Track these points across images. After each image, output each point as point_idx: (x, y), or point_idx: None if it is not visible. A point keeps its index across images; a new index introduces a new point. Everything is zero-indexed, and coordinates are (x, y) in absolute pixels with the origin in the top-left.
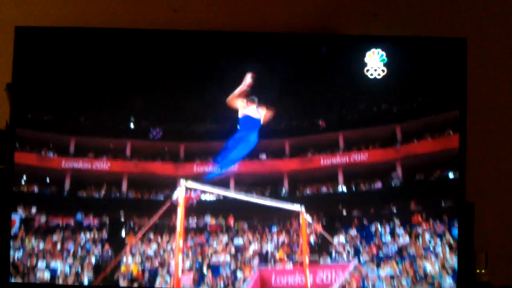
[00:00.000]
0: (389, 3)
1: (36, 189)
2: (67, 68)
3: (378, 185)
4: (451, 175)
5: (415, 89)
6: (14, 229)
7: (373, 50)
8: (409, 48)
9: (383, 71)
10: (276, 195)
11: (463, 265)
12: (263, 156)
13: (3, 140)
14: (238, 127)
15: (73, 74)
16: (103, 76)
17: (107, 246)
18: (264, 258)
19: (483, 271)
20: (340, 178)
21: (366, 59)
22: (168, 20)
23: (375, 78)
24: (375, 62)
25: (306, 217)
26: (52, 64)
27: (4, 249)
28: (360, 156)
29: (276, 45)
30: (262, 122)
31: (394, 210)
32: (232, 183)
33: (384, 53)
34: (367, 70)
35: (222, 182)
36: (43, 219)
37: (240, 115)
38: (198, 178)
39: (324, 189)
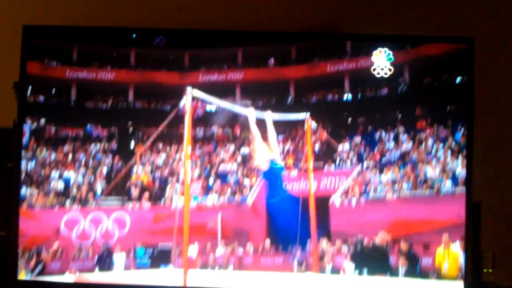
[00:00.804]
0: (395, 3)
1: (42, 99)
2: None
3: (384, 91)
4: (458, 79)
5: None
6: (25, 140)
7: (380, 49)
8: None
9: (390, 70)
10: (282, 104)
11: (470, 265)
12: (271, 62)
13: (11, 138)
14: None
15: None
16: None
17: (117, 158)
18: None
19: (490, 270)
20: (346, 85)
21: (373, 58)
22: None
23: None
24: (381, 61)
25: (311, 124)
26: None
27: (12, 249)
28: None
29: (282, 43)
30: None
31: (399, 116)
32: (238, 92)
33: (391, 52)
34: (374, 69)
35: (229, 91)
36: (52, 129)
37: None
38: (204, 86)
39: (330, 97)
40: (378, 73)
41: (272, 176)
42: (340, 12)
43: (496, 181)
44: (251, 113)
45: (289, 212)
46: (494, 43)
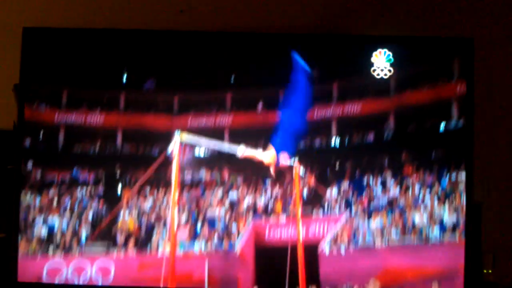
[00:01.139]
0: (395, 4)
1: (29, 143)
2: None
3: (371, 137)
4: (442, 126)
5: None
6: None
7: (379, 50)
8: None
9: (389, 71)
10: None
11: (470, 265)
12: (259, 106)
13: (11, 140)
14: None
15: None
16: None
17: (103, 203)
18: (258, 211)
19: (490, 271)
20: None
21: (373, 59)
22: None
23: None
24: (381, 62)
25: (299, 171)
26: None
27: (13, 251)
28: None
29: (282, 45)
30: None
31: (386, 162)
32: (226, 136)
33: (390, 53)
34: (374, 70)
35: (217, 135)
36: (38, 174)
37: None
38: (193, 130)
39: (317, 142)
40: (378, 74)
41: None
42: (339, 13)
43: (497, 181)
44: (240, 150)
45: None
46: (494, 43)
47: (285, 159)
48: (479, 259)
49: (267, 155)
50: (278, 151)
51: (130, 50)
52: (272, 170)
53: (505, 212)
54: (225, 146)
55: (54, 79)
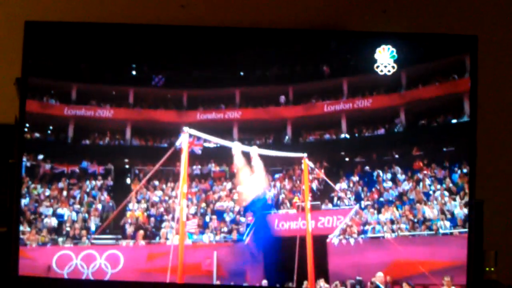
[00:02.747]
0: (398, 0)
1: (40, 136)
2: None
3: (381, 131)
4: (453, 120)
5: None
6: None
7: (383, 46)
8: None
9: (393, 67)
10: (279, 142)
11: (472, 263)
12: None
13: (12, 134)
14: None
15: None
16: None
17: (112, 195)
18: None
19: (492, 269)
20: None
21: (376, 55)
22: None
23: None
24: (385, 58)
25: (308, 163)
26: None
27: (13, 245)
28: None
29: (284, 41)
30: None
31: (396, 156)
32: (235, 131)
33: (394, 50)
34: (377, 67)
35: (226, 129)
36: (47, 166)
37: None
38: (201, 125)
39: (327, 136)
40: (382, 71)
41: (257, 210)
42: (343, 10)
43: (499, 179)
44: (236, 146)
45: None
46: (498, 40)
47: None
48: (481, 256)
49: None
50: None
51: (131, 44)
52: None
53: (507, 210)
54: (226, 143)
55: (55, 73)
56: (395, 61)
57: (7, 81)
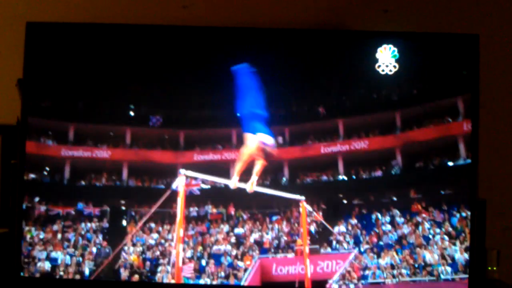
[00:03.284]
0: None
1: (35, 177)
2: (74, 61)
3: (378, 173)
4: (450, 163)
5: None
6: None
7: (384, 46)
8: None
9: (394, 67)
10: (276, 184)
11: (474, 262)
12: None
13: (14, 135)
14: None
15: (79, 67)
16: (107, 69)
17: (107, 238)
18: (264, 247)
19: (494, 268)
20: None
21: (378, 55)
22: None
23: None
24: (386, 58)
25: (306, 206)
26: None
27: (15, 245)
28: (360, 144)
29: (286, 41)
30: None
31: (394, 199)
32: (232, 172)
33: (396, 49)
34: (379, 66)
35: (222, 171)
36: (43, 208)
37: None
38: (198, 166)
39: (324, 177)
40: (383, 70)
41: None
42: (343, 9)
43: (502, 178)
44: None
45: None
46: (500, 40)
47: (267, 139)
48: (483, 256)
49: (251, 142)
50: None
51: (134, 44)
52: (261, 157)
53: (510, 209)
54: (223, 181)
55: (58, 75)
56: (396, 61)
57: (8, 82)
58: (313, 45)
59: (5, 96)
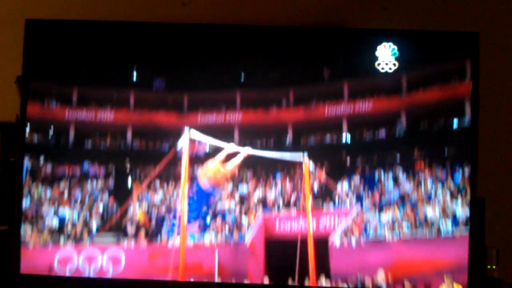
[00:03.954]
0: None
1: (41, 139)
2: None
3: (382, 134)
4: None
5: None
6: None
7: (384, 43)
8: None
9: (394, 65)
10: (280, 145)
11: (474, 261)
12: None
13: (13, 133)
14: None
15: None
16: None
17: (113, 196)
18: (268, 204)
19: (494, 267)
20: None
21: (377, 53)
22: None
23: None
24: (386, 56)
25: (309, 166)
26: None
27: (15, 243)
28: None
29: (285, 39)
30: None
31: (398, 158)
32: (236, 133)
33: (395, 47)
34: (378, 64)
35: (227, 132)
36: (49, 167)
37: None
38: (202, 127)
39: (328, 139)
40: (383, 68)
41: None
42: (343, 7)
43: (501, 177)
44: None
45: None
46: (500, 38)
47: None
48: (483, 254)
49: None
50: None
51: (134, 42)
52: None
53: (509, 208)
54: (229, 146)
55: (57, 72)
56: (396, 59)
57: (7, 80)
58: (312, 44)
59: (4, 93)
